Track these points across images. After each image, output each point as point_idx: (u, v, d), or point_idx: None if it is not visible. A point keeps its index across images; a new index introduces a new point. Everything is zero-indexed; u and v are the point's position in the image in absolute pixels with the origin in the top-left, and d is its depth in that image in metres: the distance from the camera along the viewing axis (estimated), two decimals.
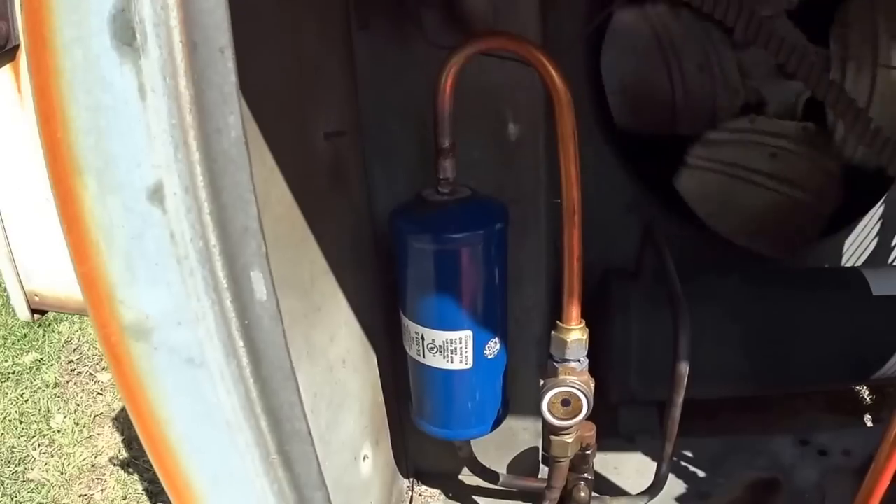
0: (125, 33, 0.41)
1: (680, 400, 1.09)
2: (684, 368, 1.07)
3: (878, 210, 1.59)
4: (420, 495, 1.34)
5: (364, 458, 1.08)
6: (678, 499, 1.33)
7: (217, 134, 0.42)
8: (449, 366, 0.98)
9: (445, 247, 0.92)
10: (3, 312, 3.35)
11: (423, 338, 0.97)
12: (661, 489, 1.24)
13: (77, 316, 3.21)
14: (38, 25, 0.46)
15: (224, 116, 0.41)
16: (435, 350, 0.97)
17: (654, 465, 1.26)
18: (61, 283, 0.76)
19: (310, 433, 0.51)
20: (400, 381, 1.18)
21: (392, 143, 1.05)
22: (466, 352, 0.97)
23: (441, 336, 0.96)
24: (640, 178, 1.47)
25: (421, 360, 1.00)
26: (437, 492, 1.34)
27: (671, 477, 1.37)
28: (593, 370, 1.30)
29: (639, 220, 1.43)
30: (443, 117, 0.90)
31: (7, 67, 0.73)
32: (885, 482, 0.88)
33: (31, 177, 0.72)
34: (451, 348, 0.96)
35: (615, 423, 1.48)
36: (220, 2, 0.40)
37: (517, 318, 1.14)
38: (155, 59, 0.41)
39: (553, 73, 0.81)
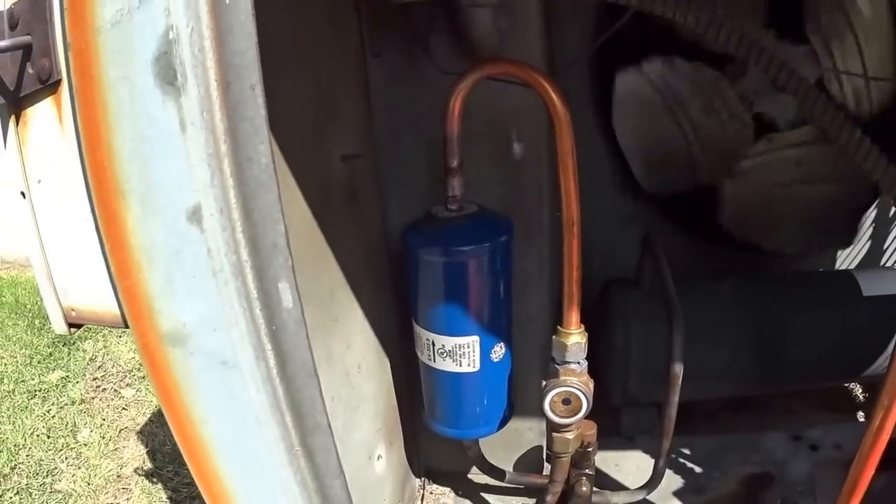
0: (167, 73, 0.45)
1: (675, 399, 1.11)
2: (679, 369, 1.09)
3: (870, 214, 1.62)
4: (431, 493, 1.36)
5: (378, 458, 1.11)
6: (675, 493, 1.35)
7: (248, 162, 0.46)
8: (458, 369, 1.01)
9: (454, 259, 0.95)
10: (29, 332, 3.40)
11: (433, 343, 1.01)
12: (659, 483, 1.26)
13: (101, 335, 3.25)
14: (86, 65, 0.50)
15: (255, 146, 0.45)
16: (445, 355, 1.00)
17: (653, 462, 1.28)
18: (97, 298, 0.79)
19: (329, 426, 0.54)
20: (412, 386, 1.21)
21: (404, 163, 1.09)
22: (474, 356, 1.00)
23: (450, 341, 0.99)
24: (641, 193, 1.50)
25: (432, 364, 1.03)
26: (447, 490, 1.37)
27: (669, 472, 1.39)
28: (596, 373, 1.33)
29: (638, 231, 1.45)
30: (452, 139, 0.94)
31: (49, 100, 0.77)
32: (869, 471, 0.90)
33: (69, 199, 0.76)
34: (460, 353, 1.00)
35: (616, 424, 1.50)
36: (251, 44, 0.45)
37: (521, 324, 1.17)
38: (194, 97, 0.45)
39: (553, 95, 0.85)
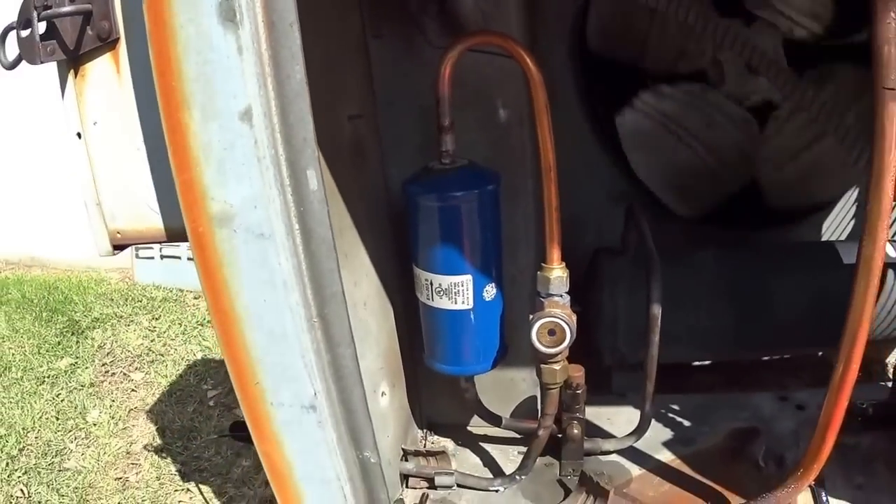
0: (228, 13, 0.65)
1: (656, 339, 1.28)
2: (657, 310, 1.27)
3: (852, 193, 1.78)
4: (433, 444, 1.54)
5: (382, 394, 1.29)
6: (665, 444, 1.51)
7: (287, 79, 0.65)
8: (453, 306, 1.20)
9: (448, 203, 1.15)
10: (37, 324, 3.64)
11: (431, 283, 1.19)
12: (647, 429, 1.43)
13: (109, 324, 3.46)
14: (159, 13, 0.70)
15: (292, 66, 0.65)
16: (441, 293, 1.19)
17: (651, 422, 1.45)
18: (140, 220, 0.99)
19: (343, 294, 0.73)
20: (413, 344, 1.40)
21: (403, 129, 1.29)
22: (468, 293, 1.19)
23: (446, 280, 1.18)
24: (626, 171, 1.69)
25: (430, 303, 1.22)
26: (448, 440, 1.54)
27: (659, 426, 1.55)
28: (589, 337, 1.51)
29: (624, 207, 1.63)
30: (443, 100, 1.13)
31: (108, 56, 0.98)
32: (836, 423, 1.07)
33: (124, 136, 0.96)
34: (455, 290, 1.18)
35: (608, 383, 1.67)
36: None
37: (513, 276, 1.35)
38: (248, 30, 0.65)
39: (527, 59, 1.05)
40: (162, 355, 3.06)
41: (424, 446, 1.51)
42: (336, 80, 1.12)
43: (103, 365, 3.10)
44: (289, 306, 0.73)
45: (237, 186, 0.68)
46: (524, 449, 1.49)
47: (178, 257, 3.66)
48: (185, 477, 2.36)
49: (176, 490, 2.31)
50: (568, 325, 1.15)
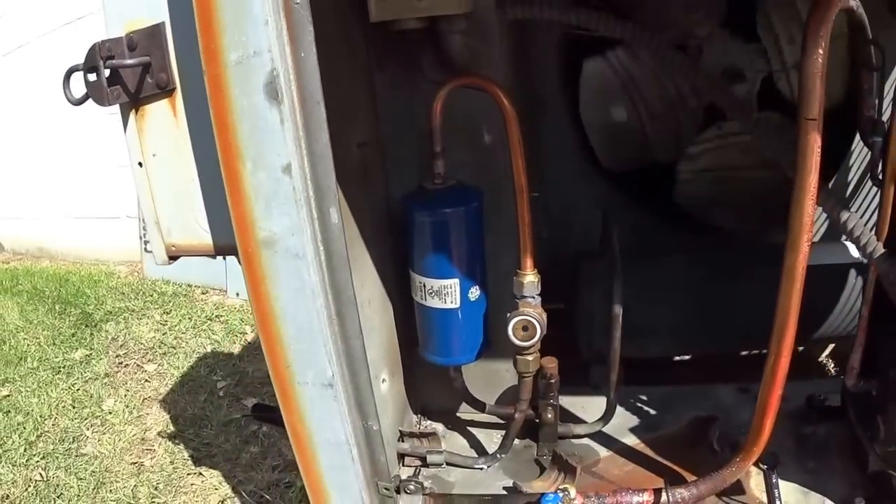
0: (272, 93, 0.95)
1: (618, 335, 1.58)
2: (618, 310, 1.56)
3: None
4: (425, 427, 1.84)
5: (383, 381, 1.60)
6: (631, 429, 1.81)
7: (315, 142, 0.95)
8: (443, 305, 1.50)
9: (438, 219, 1.45)
10: (50, 316, 3.96)
11: (424, 285, 1.50)
12: (612, 415, 1.73)
13: (122, 317, 3.78)
14: (219, 85, 1.00)
15: (319, 133, 0.95)
16: (433, 294, 1.49)
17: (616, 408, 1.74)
18: (192, 236, 1.29)
19: (355, 299, 1.03)
20: (409, 338, 1.69)
21: (402, 150, 1.59)
22: (455, 295, 1.49)
23: (437, 283, 1.48)
24: (608, 178, 1.97)
25: (423, 302, 1.52)
26: (439, 424, 1.85)
27: (627, 413, 1.86)
28: (570, 334, 1.80)
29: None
30: (436, 130, 1.43)
31: (165, 101, 1.27)
32: (772, 409, 1.35)
33: (179, 167, 1.26)
34: (444, 292, 1.48)
35: (586, 376, 1.97)
36: (317, 80, 0.94)
37: (497, 280, 1.65)
38: (287, 106, 0.94)
39: (504, 99, 1.35)
40: (174, 348, 3.38)
41: (418, 429, 1.81)
42: (347, 111, 1.41)
43: (117, 356, 3.42)
44: (315, 308, 1.03)
45: (279, 219, 0.98)
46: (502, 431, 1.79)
47: None
48: (197, 462, 2.66)
49: (189, 473, 2.62)
50: (538, 322, 1.46)
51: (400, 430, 1.72)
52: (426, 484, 1.56)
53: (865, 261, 1.41)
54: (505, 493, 1.59)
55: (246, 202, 1.00)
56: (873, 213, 1.54)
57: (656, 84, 1.82)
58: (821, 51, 1.17)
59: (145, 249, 4.15)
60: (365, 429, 1.16)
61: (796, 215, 1.28)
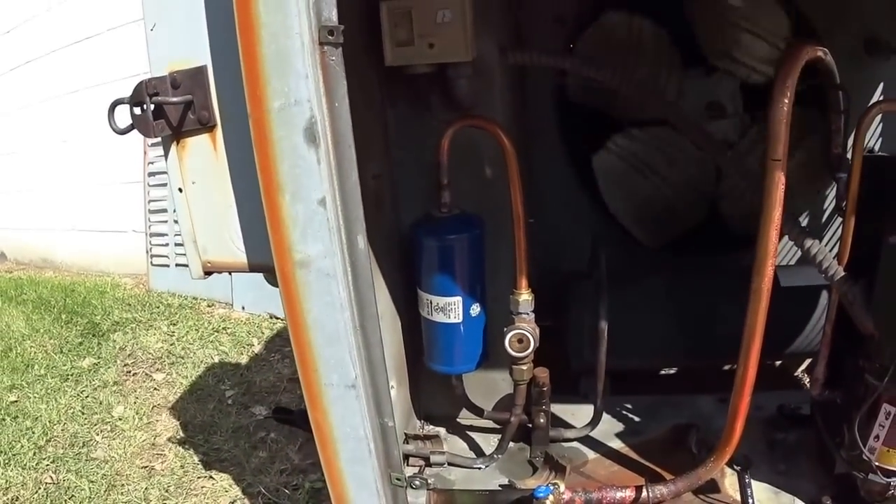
0: (311, 137, 1.13)
1: (604, 348, 1.76)
2: (604, 325, 1.74)
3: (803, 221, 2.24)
4: (429, 430, 2.01)
5: (391, 387, 1.76)
6: (617, 434, 1.98)
7: (347, 180, 1.14)
8: (447, 320, 1.68)
9: (444, 244, 1.63)
10: (56, 325, 4.10)
11: (430, 302, 1.67)
12: (599, 421, 1.91)
13: (129, 328, 3.93)
14: (262, 128, 1.18)
15: (350, 172, 1.13)
16: (438, 310, 1.67)
17: (602, 416, 1.92)
18: (227, 255, 1.46)
19: (377, 313, 1.21)
20: (415, 350, 1.87)
21: (410, 180, 1.77)
22: (458, 311, 1.67)
23: (442, 300, 1.66)
24: (599, 207, 2.15)
25: (430, 318, 1.70)
26: (441, 428, 2.02)
27: (613, 420, 2.04)
28: (562, 347, 1.97)
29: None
30: (443, 164, 1.62)
31: (206, 135, 1.43)
32: (741, 413, 1.53)
33: (213, 193, 1.43)
34: (449, 308, 1.66)
35: (576, 387, 2.15)
36: (349, 127, 1.13)
37: (496, 297, 1.83)
38: (323, 148, 1.13)
39: (504, 138, 1.54)
40: (182, 358, 3.53)
41: (422, 432, 1.98)
42: (364, 146, 1.59)
43: (125, 365, 3.56)
44: (343, 319, 1.20)
45: (314, 244, 1.16)
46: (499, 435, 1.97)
47: None
48: (207, 466, 2.80)
49: (199, 477, 2.76)
50: (532, 335, 1.64)
51: (405, 433, 1.90)
52: (430, 481, 1.73)
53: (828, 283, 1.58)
54: (501, 489, 1.76)
55: (284, 229, 1.18)
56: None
57: (660, 153, 2.00)
58: (786, 100, 1.37)
59: (152, 263, 4.32)
60: (381, 425, 1.34)
61: (762, 242, 1.45)
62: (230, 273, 1.50)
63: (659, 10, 1.88)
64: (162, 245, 4.44)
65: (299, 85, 1.13)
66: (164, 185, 4.38)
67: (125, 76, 4.52)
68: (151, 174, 4.50)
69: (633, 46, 1.90)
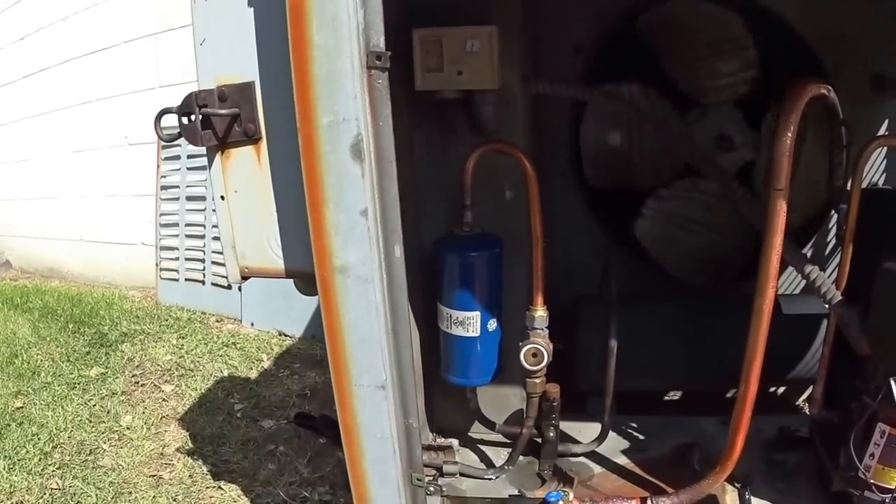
0: (357, 152, 1.26)
1: (613, 365, 1.87)
2: (613, 344, 1.86)
3: (807, 252, 2.36)
4: (442, 442, 2.11)
5: None
6: (623, 451, 2.09)
7: (387, 193, 1.27)
8: (466, 334, 1.79)
9: (465, 261, 1.76)
10: (63, 334, 4.18)
11: (450, 316, 1.79)
12: (606, 437, 2.01)
13: (138, 339, 4.02)
14: (311, 143, 1.31)
15: (390, 186, 1.26)
16: (457, 324, 1.79)
17: (609, 432, 2.02)
18: (264, 261, 1.58)
19: (409, 319, 1.33)
20: (431, 365, 1.98)
21: (433, 202, 1.90)
22: (476, 325, 1.78)
23: (461, 314, 1.78)
24: (610, 233, 2.28)
25: (449, 331, 1.81)
26: (454, 440, 2.12)
27: (620, 438, 2.14)
28: (570, 367, 2.09)
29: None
30: (466, 186, 1.75)
31: (250, 147, 1.55)
32: (742, 430, 1.63)
33: (254, 202, 1.55)
34: (467, 323, 1.78)
35: (583, 405, 2.25)
36: (391, 144, 1.26)
37: (510, 315, 1.95)
38: (367, 163, 1.26)
39: (525, 162, 1.67)
40: (191, 370, 3.62)
41: (436, 443, 2.08)
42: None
43: (133, 376, 3.64)
44: (378, 323, 1.32)
45: (353, 251, 1.28)
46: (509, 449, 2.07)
47: (202, 281, 4.26)
48: (215, 476, 2.86)
49: (207, 487, 2.82)
50: (546, 350, 1.75)
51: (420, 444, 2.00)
52: (443, 489, 1.83)
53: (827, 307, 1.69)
54: (511, 498, 1.86)
55: (326, 237, 1.31)
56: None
57: (693, 202, 2.11)
58: (790, 134, 1.50)
59: (160, 277, 4.43)
60: (406, 426, 1.45)
61: (764, 267, 1.57)
62: (265, 278, 1.60)
63: (643, 74, 2.02)
64: (172, 259, 4.55)
65: (348, 104, 1.27)
66: (176, 199, 4.53)
67: (139, 89, 4.68)
68: (163, 188, 4.63)
69: (634, 111, 2.03)
